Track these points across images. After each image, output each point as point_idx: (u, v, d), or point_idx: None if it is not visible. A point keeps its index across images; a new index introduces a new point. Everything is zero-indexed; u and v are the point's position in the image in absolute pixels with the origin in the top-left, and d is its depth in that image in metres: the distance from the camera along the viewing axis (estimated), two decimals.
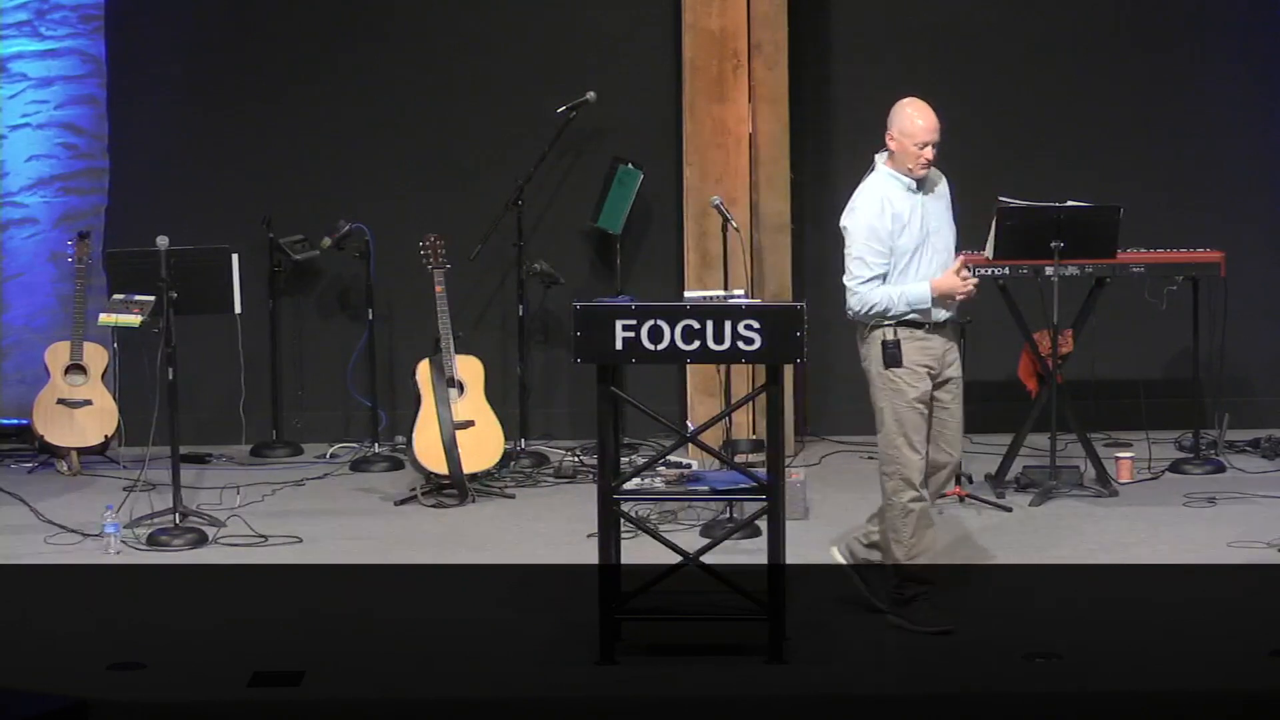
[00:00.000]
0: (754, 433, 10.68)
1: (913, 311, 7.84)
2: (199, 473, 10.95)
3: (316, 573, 9.08)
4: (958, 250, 8.10)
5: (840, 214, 8.02)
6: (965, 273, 7.90)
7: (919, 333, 7.87)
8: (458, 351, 10.48)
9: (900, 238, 7.85)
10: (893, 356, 7.84)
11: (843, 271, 7.94)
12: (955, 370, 8.01)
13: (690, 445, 9.69)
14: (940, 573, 8.06)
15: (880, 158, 7.98)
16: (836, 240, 12.11)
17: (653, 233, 11.75)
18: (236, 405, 11.61)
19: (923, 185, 7.94)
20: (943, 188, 8.06)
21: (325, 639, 7.96)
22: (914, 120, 7.86)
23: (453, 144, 11.79)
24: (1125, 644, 7.72)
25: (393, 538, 9.62)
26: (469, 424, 10.37)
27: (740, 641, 7.65)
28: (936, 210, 7.99)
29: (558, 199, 11.73)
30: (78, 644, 7.94)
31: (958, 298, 7.90)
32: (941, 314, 7.91)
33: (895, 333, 7.85)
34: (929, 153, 7.86)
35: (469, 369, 10.52)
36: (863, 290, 7.83)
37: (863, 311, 7.87)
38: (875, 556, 8.10)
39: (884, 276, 7.85)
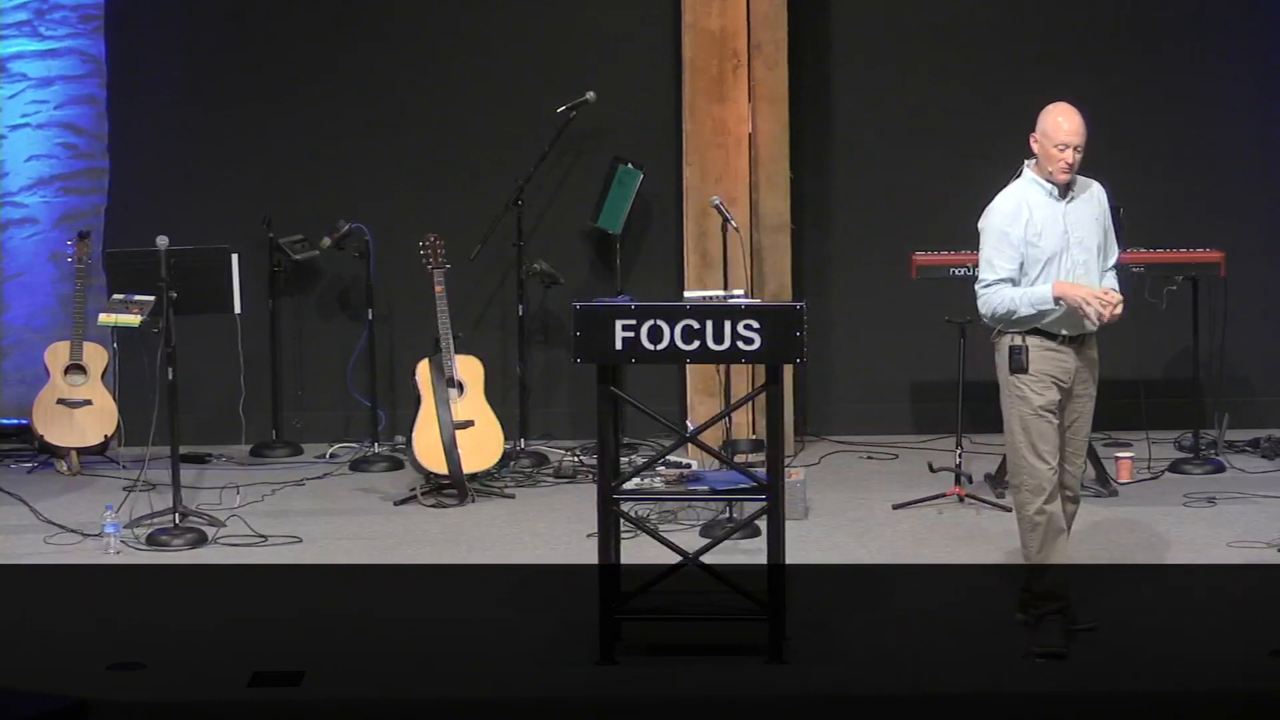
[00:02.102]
0: (754, 433, 10.67)
1: (1043, 315, 7.60)
2: (199, 473, 10.94)
3: (316, 573, 9.07)
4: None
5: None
6: (1110, 296, 7.59)
7: (1050, 343, 7.66)
8: (458, 351, 10.48)
9: (1037, 244, 7.64)
10: (1018, 362, 7.65)
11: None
12: (1086, 389, 7.77)
13: (690, 445, 9.68)
14: (1072, 583, 7.78)
15: (1029, 163, 7.78)
16: (836, 240, 12.09)
17: (653, 233, 11.74)
18: (236, 405, 11.61)
19: (1068, 192, 7.72)
20: (1095, 197, 7.81)
21: (325, 639, 7.95)
22: (1056, 120, 7.66)
23: (453, 144, 11.79)
24: (1125, 644, 7.71)
25: (393, 538, 9.61)
26: (469, 424, 10.37)
27: (740, 641, 7.64)
28: (1082, 219, 7.73)
29: (558, 199, 11.73)
30: (78, 644, 7.93)
31: (1086, 312, 7.57)
32: (1068, 328, 7.66)
33: (1024, 339, 7.66)
34: (1069, 155, 7.61)
35: (469, 369, 10.52)
36: (987, 293, 7.67)
37: (988, 315, 7.71)
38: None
39: (1012, 281, 7.64)
